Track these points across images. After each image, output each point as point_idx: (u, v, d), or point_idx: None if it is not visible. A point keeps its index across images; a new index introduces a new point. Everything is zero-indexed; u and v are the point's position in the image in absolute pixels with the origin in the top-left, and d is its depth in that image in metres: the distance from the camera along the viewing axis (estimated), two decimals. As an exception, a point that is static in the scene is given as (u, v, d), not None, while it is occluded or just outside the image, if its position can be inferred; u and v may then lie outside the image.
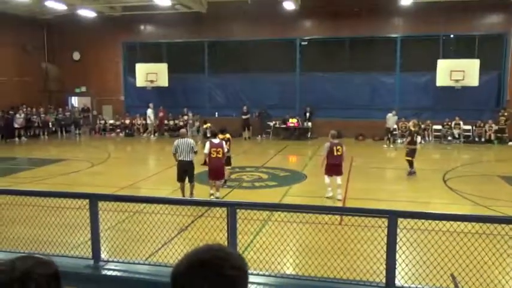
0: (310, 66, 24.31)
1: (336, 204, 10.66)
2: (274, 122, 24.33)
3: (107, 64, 26.88)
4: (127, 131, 25.82)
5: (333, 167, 11.23)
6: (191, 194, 11.11)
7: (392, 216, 4.32)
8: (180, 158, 10.88)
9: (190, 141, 11.15)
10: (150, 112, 24.80)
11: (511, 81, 22.35)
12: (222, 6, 23.32)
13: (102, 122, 26.49)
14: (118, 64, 27.03)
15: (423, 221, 4.43)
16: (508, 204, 10.96)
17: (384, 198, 11.59)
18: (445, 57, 21.78)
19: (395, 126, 21.11)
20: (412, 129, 15.13)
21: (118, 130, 26.07)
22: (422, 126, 21.75)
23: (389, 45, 23.61)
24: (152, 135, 24.81)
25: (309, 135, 23.92)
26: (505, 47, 22.47)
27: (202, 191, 11.81)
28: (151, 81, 24.77)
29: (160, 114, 25.36)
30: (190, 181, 11.07)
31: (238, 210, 4.91)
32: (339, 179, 11.24)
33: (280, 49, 24.88)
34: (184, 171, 10.88)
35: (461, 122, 22.31)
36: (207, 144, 11.05)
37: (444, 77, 21.34)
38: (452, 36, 22.63)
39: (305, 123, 23.93)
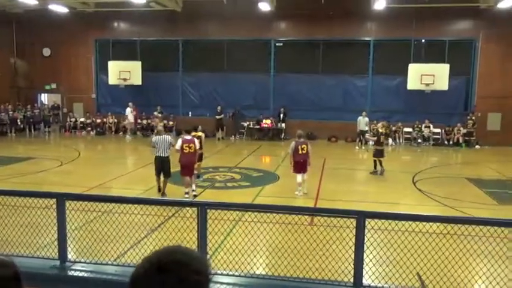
0: (284, 67, 24.46)
1: (306, 203, 10.76)
2: (248, 123, 24.36)
3: (79, 61, 26.39)
4: (98, 129, 25.40)
5: (300, 164, 11.94)
6: (163, 188, 11.59)
7: (361, 217, 4.40)
8: (157, 154, 11.46)
9: (168, 137, 11.77)
10: (129, 111, 24.16)
11: (479, 86, 23.01)
12: (198, 5, 23.21)
13: (73, 120, 25.98)
14: (90, 61, 26.56)
15: (390, 221, 4.52)
16: (474, 205, 11.29)
17: (354, 199, 11.75)
18: (416, 61, 22.25)
19: (366, 128, 21.42)
20: (380, 130, 15.75)
21: (89, 128, 25.62)
22: (394, 128, 22.19)
23: (363, 49, 23.98)
24: (128, 135, 24.18)
25: (282, 136, 24.04)
26: (473, 52, 23.13)
27: (178, 191, 11.73)
28: (124, 79, 24.42)
29: (133, 113, 25.01)
30: (165, 176, 11.54)
31: (209, 211, 4.91)
32: (304, 176, 11.98)
33: (255, 50, 24.95)
34: (161, 166, 11.45)
35: (431, 125, 22.85)
36: (179, 141, 11.48)
37: (415, 80, 21.81)
38: (423, 41, 23.14)
39: (279, 124, 24.05)
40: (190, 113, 25.35)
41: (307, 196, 11.79)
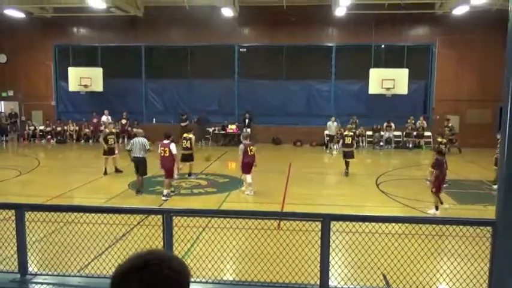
0: (248, 72, 24.57)
1: (272, 207, 10.82)
2: (213, 128, 24.29)
3: (37, 67, 25.63)
4: (59, 137, 24.72)
5: (248, 165, 12.68)
6: (140, 186, 12.60)
7: (326, 219, 4.47)
8: (133, 155, 12.65)
9: (144, 140, 12.82)
10: (105, 119, 23.13)
11: (437, 90, 23.84)
12: (159, 10, 23.03)
13: (32, 128, 25.18)
14: (49, 67, 25.85)
15: (354, 223, 4.62)
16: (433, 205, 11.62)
17: (320, 203, 11.91)
18: (376, 66, 22.84)
19: (335, 132, 21.72)
20: (345, 133, 16.49)
21: (49, 137, 24.89)
22: (357, 132, 22.61)
23: (325, 54, 24.39)
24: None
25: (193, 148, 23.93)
26: (431, 57, 23.95)
27: (142, 200, 11.55)
28: (85, 86, 23.88)
29: (95, 120, 24.45)
30: (141, 175, 12.59)
31: (174, 218, 4.86)
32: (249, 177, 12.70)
33: (219, 55, 24.94)
34: (136, 166, 12.63)
35: (392, 124, 23.26)
36: (159, 145, 12.44)
37: (376, 85, 22.34)
38: (383, 46, 23.77)
39: (244, 130, 24.05)
40: (154, 119, 25.05)
41: (273, 200, 11.85)
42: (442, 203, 11.00)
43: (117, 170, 15.61)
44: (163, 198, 12.02)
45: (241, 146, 12.87)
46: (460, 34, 22.71)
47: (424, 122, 22.96)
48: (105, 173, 15.32)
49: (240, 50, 24.81)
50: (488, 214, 9.16)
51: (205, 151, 20.22)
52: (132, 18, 23.30)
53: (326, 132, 23.24)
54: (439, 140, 15.91)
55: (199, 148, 23.16)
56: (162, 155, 12.17)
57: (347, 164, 15.82)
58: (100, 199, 11.57)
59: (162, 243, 4.70)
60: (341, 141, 16.61)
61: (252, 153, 12.72)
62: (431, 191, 10.96)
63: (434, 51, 23.73)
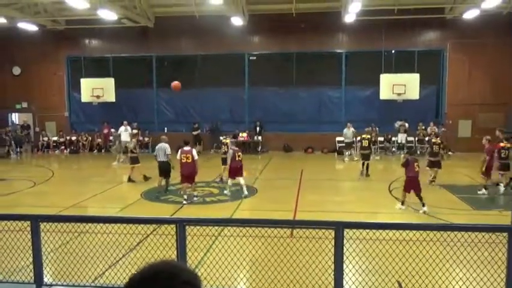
0: (259, 80, 24.63)
1: (285, 215, 10.79)
2: (224, 137, 24.31)
3: (50, 79, 25.99)
4: (72, 148, 24.98)
5: (236, 170, 13.35)
6: (166, 186, 13.91)
7: (339, 227, 4.44)
8: (158, 159, 13.88)
9: (166, 145, 13.92)
10: (123, 130, 22.25)
11: (449, 94, 23.65)
12: (170, 20, 23.26)
13: (45, 139, 25.48)
14: (62, 79, 26.20)
15: (368, 230, 4.59)
16: (449, 211, 11.53)
17: (333, 210, 11.84)
18: (387, 71, 22.72)
19: (353, 139, 21.38)
20: (363, 136, 17.44)
21: (62, 147, 25.16)
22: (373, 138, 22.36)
23: (335, 61, 24.38)
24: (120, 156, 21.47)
25: (259, 149, 24.11)
26: (442, 62, 23.80)
27: (156, 208, 11.60)
28: (98, 97, 24.13)
29: (105, 131, 24.54)
30: (165, 177, 13.81)
31: (187, 227, 4.87)
32: (242, 180, 13.43)
33: (229, 64, 25.05)
34: (161, 169, 13.76)
35: (406, 124, 22.76)
36: (179, 152, 12.80)
37: (387, 90, 22.23)
38: (393, 51, 23.67)
39: (255, 137, 24.14)
40: (165, 128, 25.20)
41: (285, 207, 11.81)
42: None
43: (146, 178, 15.82)
44: (184, 202, 12.54)
45: (230, 152, 13.57)
46: (471, 38, 22.56)
47: (435, 127, 22.41)
48: (130, 180, 15.74)
49: (250, 58, 24.89)
50: (503, 220, 9.05)
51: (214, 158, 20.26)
52: (143, 29, 23.56)
53: (338, 138, 23.16)
54: (433, 140, 16.16)
55: (211, 156, 23.25)
56: (184, 161, 12.52)
57: (366, 166, 16.61)
58: (114, 208, 11.64)
59: (175, 252, 4.72)
60: (359, 144, 17.61)
61: (239, 158, 13.40)
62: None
63: (445, 56, 23.58)
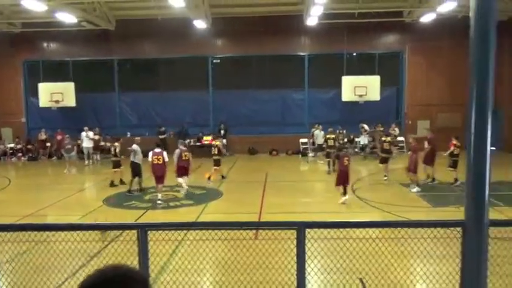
0: (223, 83, 24.61)
1: (249, 217, 10.81)
2: (189, 140, 24.16)
3: (6, 84, 25.08)
4: (30, 155, 24.17)
5: (182, 169, 13.99)
6: (140, 185, 14.72)
7: (301, 227, 4.49)
8: (131, 160, 14.52)
9: (138, 147, 14.71)
10: (84, 135, 22.05)
11: (408, 95, 24.35)
12: (131, 23, 22.94)
13: (1, 146, 24.55)
14: (18, 84, 25.35)
15: (329, 230, 4.65)
16: (409, 209, 11.86)
17: (297, 211, 11.97)
18: (349, 73, 23.16)
19: (322, 140, 21.42)
20: (328, 136, 18.90)
21: (20, 154, 24.30)
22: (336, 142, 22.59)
23: (298, 63, 24.66)
24: (87, 161, 22.08)
25: (224, 152, 24.03)
26: (401, 64, 24.49)
27: (117, 216, 11.39)
28: (57, 101, 23.46)
29: (59, 137, 23.44)
30: (139, 176, 14.62)
31: (150, 232, 4.80)
32: (185, 179, 14.09)
33: (193, 67, 24.91)
34: (133, 169, 14.50)
35: (366, 126, 22.83)
36: (150, 153, 13.42)
37: (349, 92, 22.66)
38: (355, 54, 24.18)
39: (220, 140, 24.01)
40: (128, 133, 24.74)
41: (250, 210, 11.84)
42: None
43: (122, 182, 15.95)
44: (159, 202, 12.96)
45: (177, 151, 14.13)
46: (428, 41, 23.31)
47: (397, 129, 22.74)
48: (112, 184, 15.76)
49: (214, 61, 24.86)
50: (460, 215, 9.37)
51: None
52: (103, 32, 23.11)
53: (302, 140, 23.40)
54: (383, 138, 17.13)
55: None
56: (156, 162, 13.17)
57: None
58: (74, 216, 11.35)
59: (137, 258, 4.64)
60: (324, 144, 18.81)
61: (186, 158, 14.10)
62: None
63: (404, 58, 24.28)
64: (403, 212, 11.25)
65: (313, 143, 22.25)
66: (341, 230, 4.67)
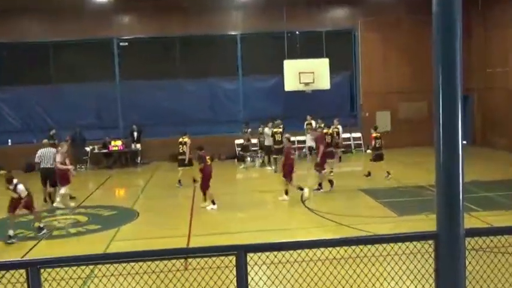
0: (133, 73, 24.20)
1: (176, 242, 10.69)
2: (91, 147, 23.52)
3: None
4: None
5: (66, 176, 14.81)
6: (54, 196, 15.23)
7: (240, 252, 4.48)
8: (42, 166, 15.29)
9: (52, 150, 15.60)
10: None
11: (363, 81, 25.15)
12: (8, -2, 22.00)
13: None
14: None
15: (276, 252, 4.67)
16: (372, 220, 12.27)
17: (235, 230, 12.02)
18: (291, 57, 23.47)
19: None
20: (275, 130, 20.17)
21: None
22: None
23: (229, 45, 24.81)
24: None
25: (139, 161, 23.68)
26: (354, 43, 25.29)
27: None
28: None
29: None
30: (54, 185, 15.32)
31: (43, 270, 4.61)
32: (62, 190, 14.60)
33: (93, 52, 24.33)
34: (45, 177, 15.29)
35: (313, 122, 22.66)
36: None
37: (293, 80, 22.94)
38: (297, 33, 24.65)
39: (133, 146, 23.63)
40: (9, 140, 23.67)
41: (176, 233, 11.72)
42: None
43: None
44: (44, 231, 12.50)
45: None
46: (384, 14, 24.23)
47: (340, 127, 21.79)
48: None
49: (120, 44, 24.42)
50: (430, 224, 9.79)
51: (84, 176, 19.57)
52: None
53: (237, 141, 23.48)
54: (325, 131, 18.34)
55: (73, 175, 22.20)
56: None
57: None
58: None
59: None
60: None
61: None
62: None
63: (356, 36, 25.08)
64: (363, 224, 11.59)
65: (260, 145, 22.11)
66: (290, 252, 4.70)
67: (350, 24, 25.10)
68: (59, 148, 15.47)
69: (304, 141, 23.28)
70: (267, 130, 21.30)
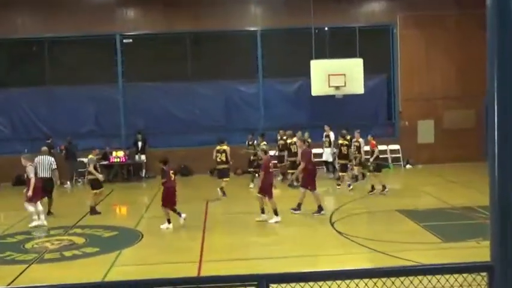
0: (138, 74, 24.40)
1: (187, 269, 10.71)
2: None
3: None
4: None
5: (39, 190, 15.57)
6: (49, 207, 16.65)
7: (262, 282, 4.46)
8: (40, 175, 16.06)
9: (51, 159, 16.96)
10: None
11: (403, 85, 24.98)
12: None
13: None
14: None
15: (303, 283, 4.64)
16: (412, 246, 12.12)
17: (254, 256, 11.97)
18: (319, 57, 23.39)
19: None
20: (289, 141, 20.97)
21: None
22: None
23: (248, 43, 24.91)
24: None
25: (143, 174, 23.79)
26: (391, 42, 25.16)
27: None
28: None
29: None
30: (49, 197, 16.66)
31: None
32: (38, 206, 15.47)
33: (94, 50, 24.63)
34: (44, 187, 16.00)
35: (331, 133, 22.40)
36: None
37: (321, 83, 22.83)
38: (326, 29, 24.62)
39: (137, 157, 23.77)
40: (-2, 150, 24.00)
41: (186, 258, 11.72)
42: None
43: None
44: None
45: (31, 168, 15.56)
46: (427, 9, 24.07)
47: (361, 140, 20.49)
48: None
49: (124, 41, 24.65)
50: (482, 253, 9.65)
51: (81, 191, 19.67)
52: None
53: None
54: (340, 141, 19.28)
55: (68, 191, 22.40)
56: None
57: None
58: None
59: None
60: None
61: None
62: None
63: (395, 33, 24.96)
64: (403, 252, 11.47)
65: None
66: (319, 283, 4.67)
67: (387, 19, 25.02)
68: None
69: (321, 155, 23.09)
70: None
